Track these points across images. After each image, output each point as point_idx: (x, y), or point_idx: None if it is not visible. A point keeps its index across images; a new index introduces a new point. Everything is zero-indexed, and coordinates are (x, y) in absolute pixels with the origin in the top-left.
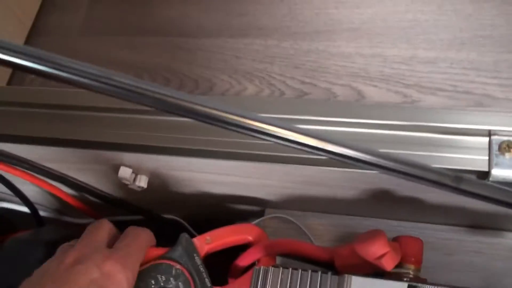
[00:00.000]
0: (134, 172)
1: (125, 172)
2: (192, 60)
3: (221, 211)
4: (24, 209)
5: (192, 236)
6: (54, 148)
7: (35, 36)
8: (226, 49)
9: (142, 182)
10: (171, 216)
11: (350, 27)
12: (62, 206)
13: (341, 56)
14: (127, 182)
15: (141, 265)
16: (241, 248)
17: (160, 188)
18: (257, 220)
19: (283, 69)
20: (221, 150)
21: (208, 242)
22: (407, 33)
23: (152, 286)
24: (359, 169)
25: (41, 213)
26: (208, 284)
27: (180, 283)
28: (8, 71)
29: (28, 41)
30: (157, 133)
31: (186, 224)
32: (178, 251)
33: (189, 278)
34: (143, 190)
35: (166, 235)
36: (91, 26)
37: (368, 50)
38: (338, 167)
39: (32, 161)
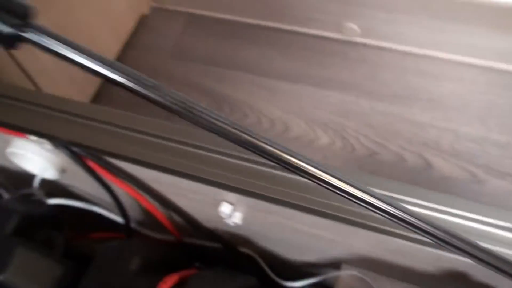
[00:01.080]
0: (234, 209)
1: (226, 208)
2: (271, 100)
3: (299, 258)
4: (108, 214)
5: (264, 274)
6: (167, 176)
7: (129, 49)
8: (305, 96)
9: (238, 219)
10: (247, 250)
11: (428, 97)
12: (149, 220)
13: (415, 124)
14: (224, 216)
15: None
16: None
17: (251, 226)
18: (332, 274)
19: (357, 125)
20: (322, 210)
21: None
22: (483, 114)
23: None
24: (455, 255)
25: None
26: None
27: None
28: (94, 85)
29: (122, 53)
30: (267, 183)
31: (261, 261)
32: None
33: None
34: (234, 226)
35: (239, 267)
36: (181, 51)
37: (442, 123)
38: (434, 248)
39: (140, 180)
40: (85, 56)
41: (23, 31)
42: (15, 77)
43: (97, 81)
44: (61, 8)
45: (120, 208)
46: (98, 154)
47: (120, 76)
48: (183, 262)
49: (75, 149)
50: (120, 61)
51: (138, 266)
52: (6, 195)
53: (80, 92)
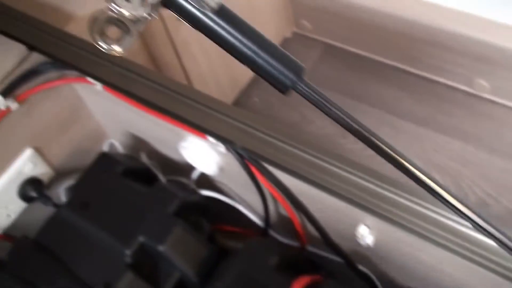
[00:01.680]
0: (370, 232)
1: (363, 230)
2: (393, 138)
3: (414, 287)
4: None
5: None
6: (315, 190)
7: None
8: (427, 139)
9: (371, 241)
10: (367, 270)
11: None
12: (283, 225)
13: None
14: (358, 236)
15: None
16: None
17: (379, 249)
18: None
19: (473, 175)
20: (452, 247)
21: None
22: None
23: None
24: None
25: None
26: None
27: None
28: (235, 91)
29: None
30: (408, 215)
31: (379, 284)
32: None
33: None
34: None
35: (353, 284)
36: (315, 78)
37: None
38: None
39: (290, 189)
40: (336, 111)
41: (297, 84)
42: (178, 77)
43: (237, 88)
44: None
45: (265, 210)
46: (260, 161)
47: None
48: (306, 268)
49: (243, 153)
50: (257, 81)
51: (275, 264)
52: (162, 179)
53: (223, 95)
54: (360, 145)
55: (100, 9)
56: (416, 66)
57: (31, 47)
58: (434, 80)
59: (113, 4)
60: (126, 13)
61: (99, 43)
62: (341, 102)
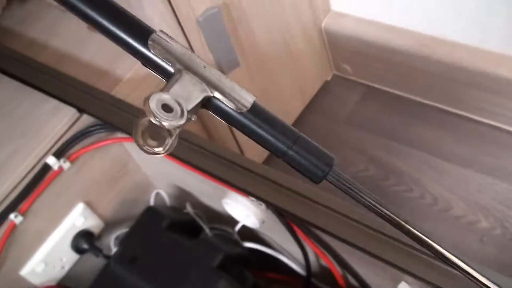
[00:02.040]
0: None
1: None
2: (437, 179)
3: None
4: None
5: None
6: (355, 250)
7: (309, 112)
8: (471, 181)
9: None
10: None
11: None
12: (324, 277)
13: None
14: None
15: None
16: None
17: None
18: None
19: None
20: None
21: None
22: None
23: None
24: None
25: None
26: None
27: None
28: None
29: (302, 114)
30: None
31: None
32: None
33: None
34: None
35: None
36: (356, 119)
37: None
38: None
39: (330, 246)
40: (368, 198)
41: (328, 173)
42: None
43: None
44: (265, 75)
45: (306, 263)
46: (301, 222)
47: None
48: None
49: (283, 212)
50: (300, 122)
51: None
52: (207, 229)
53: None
54: (403, 187)
55: (144, 117)
56: (457, 106)
57: (81, 110)
58: (477, 120)
59: (153, 117)
60: (167, 124)
61: (142, 148)
62: (383, 144)
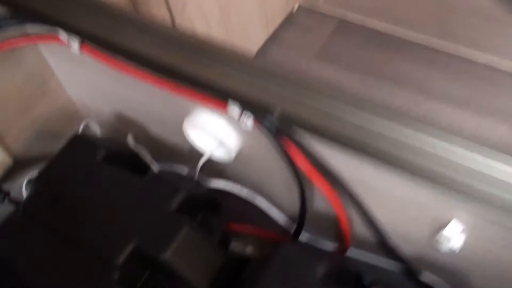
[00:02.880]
0: (463, 231)
1: (452, 229)
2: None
3: None
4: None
5: None
6: (380, 175)
7: (273, 44)
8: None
9: (457, 245)
10: (432, 276)
11: None
12: (320, 223)
13: None
14: (439, 240)
15: None
16: None
17: (465, 258)
18: None
19: None
20: None
21: None
22: None
23: None
24: None
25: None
26: None
27: None
28: None
29: (264, 46)
30: None
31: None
32: None
33: None
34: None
35: None
36: (329, 54)
37: None
38: None
39: (340, 175)
40: None
41: None
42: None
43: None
44: None
45: (302, 204)
46: (303, 133)
47: None
48: (353, 276)
49: (278, 126)
50: (263, 54)
51: (322, 276)
52: (156, 168)
53: None
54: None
55: None
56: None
57: None
58: (470, 59)
59: None
60: None
61: None
62: (360, 80)
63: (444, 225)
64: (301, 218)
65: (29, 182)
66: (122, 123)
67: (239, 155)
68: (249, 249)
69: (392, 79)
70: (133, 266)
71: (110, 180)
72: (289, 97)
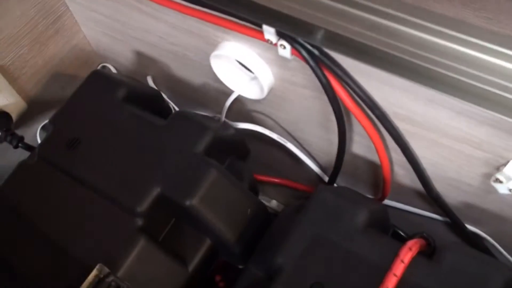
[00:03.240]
0: None
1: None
2: None
3: None
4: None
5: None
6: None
7: None
8: None
9: None
10: (476, 229)
11: None
12: (356, 173)
13: None
14: (502, 180)
15: None
16: None
17: None
18: None
19: None
20: None
21: None
22: None
23: None
24: None
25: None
26: None
27: None
28: None
29: None
30: None
31: (495, 242)
32: None
33: None
34: (491, 195)
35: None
36: None
37: None
38: None
39: (385, 111)
40: None
41: None
42: None
43: None
44: None
45: (340, 148)
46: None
47: None
48: (389, 226)
49: (320, 55)
50: None
51: (364, 222)
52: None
53: None
54: None
55: None
56: None
57: None
58: None
59: None
60: None
61: None
62: None
63: (502, 165)
64: (339, 161)
65: (43, 128)
66: (141, 64)
67: (272, 92)
68: (273, 204)
69: None
70: (157, 213)
71: (131, 121)
72: (331, 17)
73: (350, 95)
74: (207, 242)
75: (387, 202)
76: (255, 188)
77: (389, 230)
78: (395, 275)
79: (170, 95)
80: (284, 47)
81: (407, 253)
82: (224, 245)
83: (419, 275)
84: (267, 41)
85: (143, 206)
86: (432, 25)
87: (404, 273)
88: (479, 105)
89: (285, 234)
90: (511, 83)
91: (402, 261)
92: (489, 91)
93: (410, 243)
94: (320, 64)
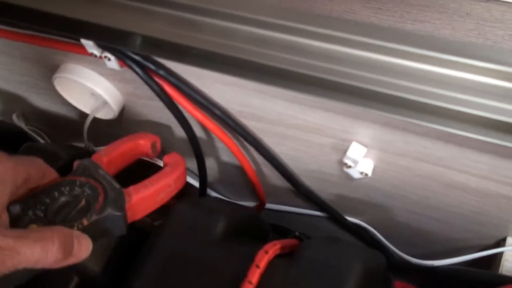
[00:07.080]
0: (367, 153)
1: (356, 151)
2: None
3: (444, 233)
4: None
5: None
6: (275, 101)
7: None
8: None
9: (367, 168)
10: (356, 220)
11: None
12: (226, 177)
13: None
14: (350, 165)
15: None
16: None
17: (380, 179)
18: (492, 251)
19: None
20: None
21: (104, 155)
22: None
23: (56, 196)
24: None
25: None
26: (117, 186)
27: (86, 189)
28: None
29: None
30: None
31: (374, 230)
32: (79, 170)
33: (96, 184)
34: (353, 181)
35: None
36: None
37: None
38: None
39: (234, 117)
40: None
41: None
42: None
43: None
44: None
45: (200, 164)
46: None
47: None
48: (266, 231)
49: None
50: None
51: (223, 231)
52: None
53: None
54: None
55: None
56: None
57: None
58: None
59: None
60: None
61: None
62: None
63: (348, 149)
64: (201, 170)
65: None
66: (4, 102)
67: (126, 109)
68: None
69: None
70: None
71: None
72: (148, 21)
73: (187, 99)
74: (75, 279)
75: (270, 206)
76: None
77: (267, 235)
78: (250, 282)
79: (47, 130)
80: (109, 59)
81: (263, 257)
82: (91, 278)
83: (278, 278)
84: (91, 54)
85: None
86: (223, 9)
87: (261, 278)
88: (298, 90)
89: (143, 255)
90: (321, 62)
91: (258, 266)
92: (302, 73)
93: (266, 246)
94: (149, 71)
